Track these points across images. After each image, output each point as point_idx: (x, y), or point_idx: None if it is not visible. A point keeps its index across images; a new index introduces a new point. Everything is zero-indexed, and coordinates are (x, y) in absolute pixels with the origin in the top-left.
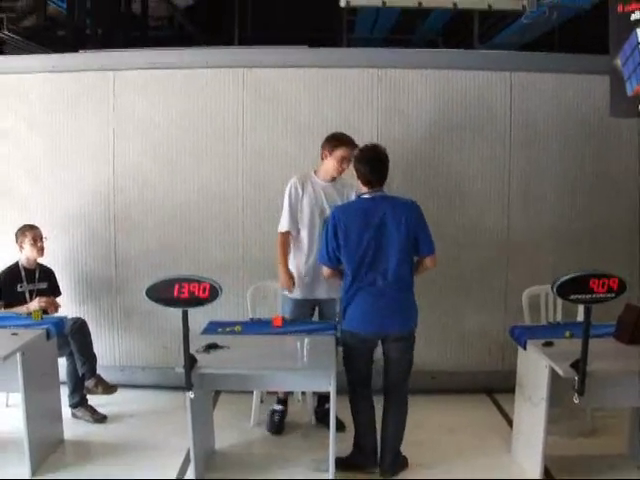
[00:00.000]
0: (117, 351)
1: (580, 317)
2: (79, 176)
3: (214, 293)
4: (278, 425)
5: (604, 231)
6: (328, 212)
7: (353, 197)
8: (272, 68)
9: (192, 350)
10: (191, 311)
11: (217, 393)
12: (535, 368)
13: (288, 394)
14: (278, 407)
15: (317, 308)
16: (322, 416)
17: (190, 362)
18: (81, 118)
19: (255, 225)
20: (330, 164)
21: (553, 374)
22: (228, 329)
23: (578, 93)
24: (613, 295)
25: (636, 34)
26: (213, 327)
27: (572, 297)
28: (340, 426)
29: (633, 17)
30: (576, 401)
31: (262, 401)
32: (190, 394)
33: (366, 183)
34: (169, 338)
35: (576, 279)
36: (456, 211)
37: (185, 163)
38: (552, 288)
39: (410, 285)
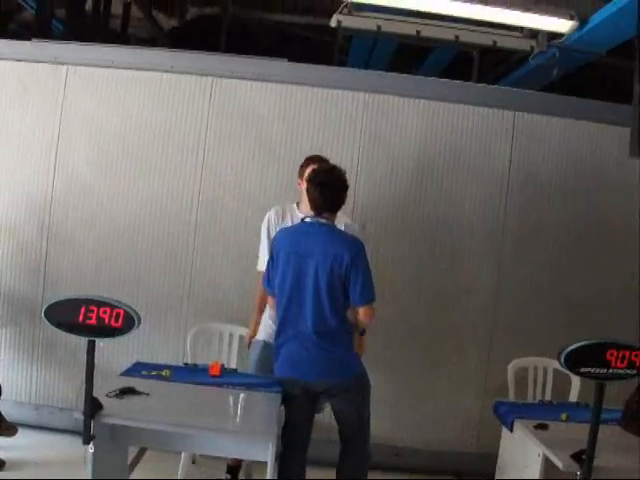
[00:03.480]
0: (34, 387)
1: (573, 398)
2: (12, 179)
3: (129, 323)
4: None
5: (603, 300)
6: None
7: None
8: (244, 80)
9: (102, 393)
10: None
11: (143, 448)
12: (524, 455)
13: (239, 460)
14: (225, 477)
15: None
16: None
17: (92, 408)
18: (24, 114)
19: (206, 258)
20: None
21: (547, 464)
22: (154, 372)
23: (587, 143)
24: (634, 372)
25: None
26: (137, 369)
27: (583, 370)
28: None
29: None
30: None
31: (194, 462)
32: (90, 448)
33: (313, 208)
34: (96, 378)
35: (590, 348)
36: (439, 263)
37: (135, 177)
38: (559, 357)
39: (337, 337)
